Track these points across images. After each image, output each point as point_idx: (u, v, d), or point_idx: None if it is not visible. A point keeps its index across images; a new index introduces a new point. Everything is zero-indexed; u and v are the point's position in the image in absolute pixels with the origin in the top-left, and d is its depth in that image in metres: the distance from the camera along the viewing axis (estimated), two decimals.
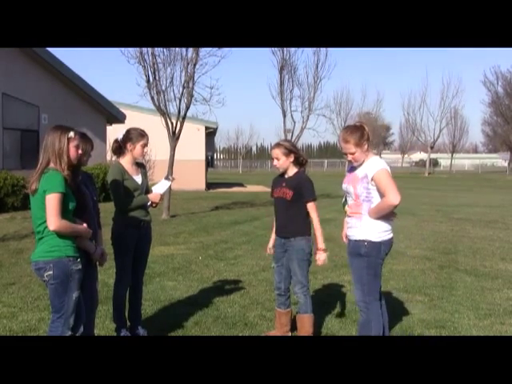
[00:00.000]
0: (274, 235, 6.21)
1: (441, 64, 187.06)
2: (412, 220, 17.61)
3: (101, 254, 5.10)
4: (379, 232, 5.12)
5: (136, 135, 5.90)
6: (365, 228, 5.13)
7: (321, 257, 5.92)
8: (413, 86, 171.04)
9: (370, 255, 5.13)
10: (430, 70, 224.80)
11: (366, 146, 5.11)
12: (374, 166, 5.07)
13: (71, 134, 4.44)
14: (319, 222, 5.93)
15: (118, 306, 6.04)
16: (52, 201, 4.23)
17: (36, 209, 4.38)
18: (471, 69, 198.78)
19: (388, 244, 5.21)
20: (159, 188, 6.19)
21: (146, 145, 5.96)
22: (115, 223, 6.00)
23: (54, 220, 4.24)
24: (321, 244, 5.89)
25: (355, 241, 5.22)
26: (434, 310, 7.30)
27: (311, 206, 5.91)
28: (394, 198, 4.91)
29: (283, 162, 5.93)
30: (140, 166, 6.12)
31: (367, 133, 5.14)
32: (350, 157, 5.16)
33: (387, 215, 5.11)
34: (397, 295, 7.99)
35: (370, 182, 5.05)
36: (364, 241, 5.13)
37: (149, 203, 6.03)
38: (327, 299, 7.65)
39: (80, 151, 4.61)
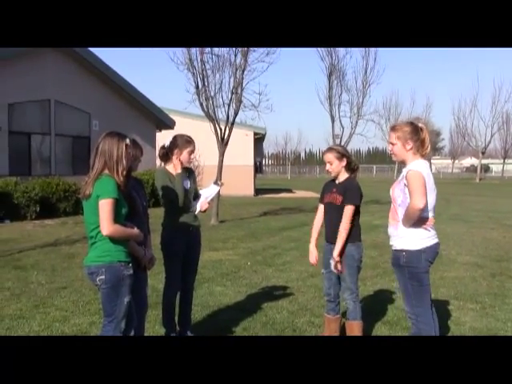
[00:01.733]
0: (313, 241, 6.15)
1: (492, 68, 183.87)
2: (463, 226, 17.32)
3: (149, 259, 5.16)
4: (417, 240, 4.86)
5: (182, 142, 5.93)
6: (401, 237, 4.91)
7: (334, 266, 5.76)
8: (463, 90, 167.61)
9: (410, 265, 4.88)
10: (481, 74, 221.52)
11: (411, 145, 4.89)
12: (410, 167, 4.83)
13: (127, 140, 4.49)
14: (346, 229, 5.73)
15: (167, 310, 6.09)
16: (105, 206, 4.28)
17: (89, 214, 4.44)
18: None
19: (431, 251, 4.93)
20: (207, 192, 6.21)
21: (192, 151, 5.98)
22: (164, 229, 6.04)
23: (107, 225, 4.29)
24: (335, 252, 5.71)
25: (395, 251, 5.03)
26: (486, 319, 7.15)
27: (347, 209, 5.76)
28: (418, 201, 4.64)
29: (336, 166, 5.89)
30: (189, 171, 6.16)
31: (420, 134, 4.94)
32: (390, 147, 4.98)
33: (422, 222, 4.84)
34: (447, 303, 7.86)
35: (405, 183, 4.83)
36: (402, 250, 4.91)
37: (198, 210, 6.05)
38: (377, 306, 7.58)
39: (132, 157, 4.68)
